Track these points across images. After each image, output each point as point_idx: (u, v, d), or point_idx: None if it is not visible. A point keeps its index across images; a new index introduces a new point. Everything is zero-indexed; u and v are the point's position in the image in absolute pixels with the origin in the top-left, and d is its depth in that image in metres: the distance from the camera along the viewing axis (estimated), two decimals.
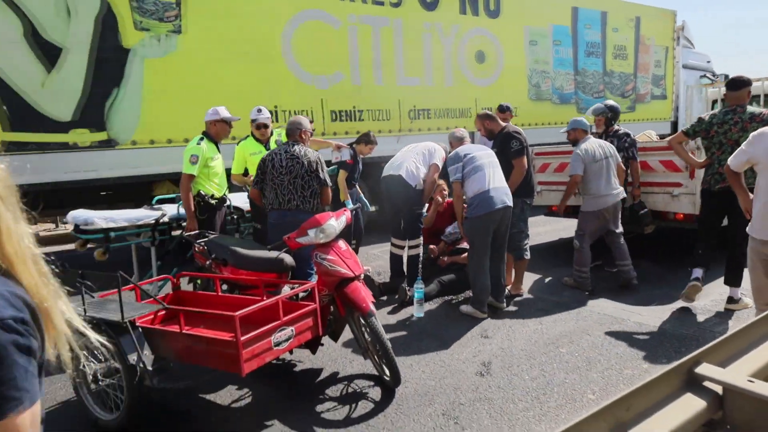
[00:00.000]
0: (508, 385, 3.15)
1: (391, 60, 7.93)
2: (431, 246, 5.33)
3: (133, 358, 2.62)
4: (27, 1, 5.34)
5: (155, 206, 5.28)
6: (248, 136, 5.06)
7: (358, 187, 5.97)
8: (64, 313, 0.86)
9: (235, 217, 5.47)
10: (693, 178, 5.00)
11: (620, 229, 4.88)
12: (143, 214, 4.97)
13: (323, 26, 7.28)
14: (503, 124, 4.87)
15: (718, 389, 1.08)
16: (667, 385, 1.04)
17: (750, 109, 4.06)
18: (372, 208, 6.89)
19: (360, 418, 2.83)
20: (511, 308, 4.50)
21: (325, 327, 3.10)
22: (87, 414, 2.89)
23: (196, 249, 3.69)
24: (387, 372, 3.10)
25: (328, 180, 4.00)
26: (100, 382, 2.80)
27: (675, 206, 5.23)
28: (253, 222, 5.29)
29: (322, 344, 3.30)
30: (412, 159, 4.95)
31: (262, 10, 6.77)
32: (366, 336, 3.11)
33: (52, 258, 0.87)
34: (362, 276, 3.20)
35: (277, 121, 6.62)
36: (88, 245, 4.81)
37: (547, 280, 5.29)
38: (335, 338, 3.32)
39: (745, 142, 3.19)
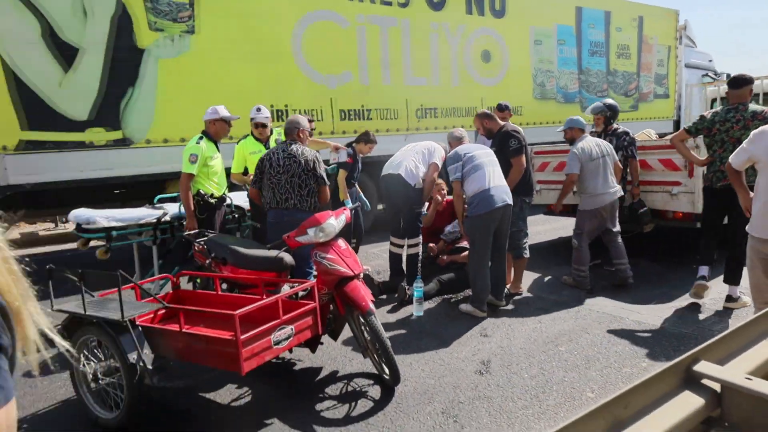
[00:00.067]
0: (507, 383, 3.16)
1: (399, 60, 7.98)
2: (431, 245, 5.34)
3: (133, 356, 2.63)
4: (44, 2, 5.39)
5: (156, 205, 5.28)
6: (248, 135, 5.07)
7: (358, 186, 5.97)
8: (32, 314, 0.86)
9: (236, 216, 5.46)
10: (692, 177, 5.01)
11: (617, 228, 4.87)
12: (145, 213, 4.97)
13: (332, 26, 7.33)
14: (502, 123, 4.87)
15: (717, 387, 1.08)
16: (665, 382, 1.04)
17: (752, 106, 4.07)
18: (379, 207, 6.88)
19: (359, 417, 2.84)
20: (511, 307, 4.51)
21: (324, 326, 3.10)
22: (87, 413, 2.90)
23: (196, 248, 3.70)
24: (386, 371, 3.10)
25: (326, 178, 4.00)
26: (100, 381, 2.80)
27: (674, 205, 5.23)
28: (253, 221, 5.29)
29: (322, 343, 3.31)
30: (411, 158, 4.95)
31: (273, 10, 6.82)
32: (365, 335, 3.11)
33: (26, 259, 0.87)
34: (362, 275, 3.20)
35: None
36: (90, 244, 4.82)
37: (546, 278, 5.29)
38: (335, 337, 3.33)
39: (746, 141, 3.19)
